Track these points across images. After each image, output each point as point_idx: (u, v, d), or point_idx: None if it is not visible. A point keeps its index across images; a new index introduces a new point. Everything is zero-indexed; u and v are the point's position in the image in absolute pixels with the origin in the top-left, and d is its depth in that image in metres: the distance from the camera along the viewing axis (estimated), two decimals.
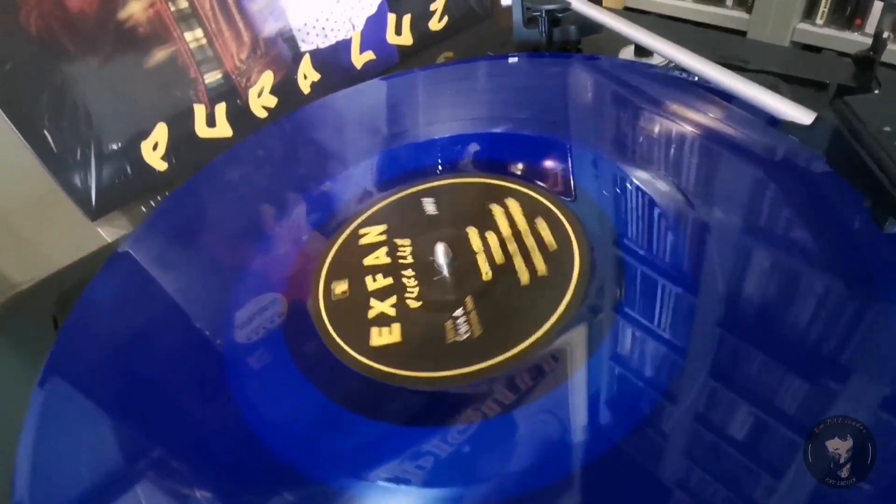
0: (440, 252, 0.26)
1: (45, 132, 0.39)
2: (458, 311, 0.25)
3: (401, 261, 0.28)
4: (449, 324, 0.24)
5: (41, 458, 0.23)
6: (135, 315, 0.30)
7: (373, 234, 0.30)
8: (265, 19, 0.47)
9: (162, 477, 0.22)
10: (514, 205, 0.30)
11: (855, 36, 0.76)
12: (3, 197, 0.44)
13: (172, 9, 0.42)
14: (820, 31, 0.79)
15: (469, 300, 0.25)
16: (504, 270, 0.26)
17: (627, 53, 0.44)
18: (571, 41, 0.45)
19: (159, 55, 0.42)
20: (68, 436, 0.24)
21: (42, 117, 0.39)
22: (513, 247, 0.27)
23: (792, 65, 0.43)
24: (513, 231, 0.28)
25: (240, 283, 0.30)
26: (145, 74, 0.42)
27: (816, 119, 0.25)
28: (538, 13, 0.43)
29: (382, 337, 0.25)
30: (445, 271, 0.26)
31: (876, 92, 0.27)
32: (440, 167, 0.35)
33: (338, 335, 0.25)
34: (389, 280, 0.27)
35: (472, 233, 0.28)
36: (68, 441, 0.24)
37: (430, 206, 0.30)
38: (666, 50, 0.34)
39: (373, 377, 0.23)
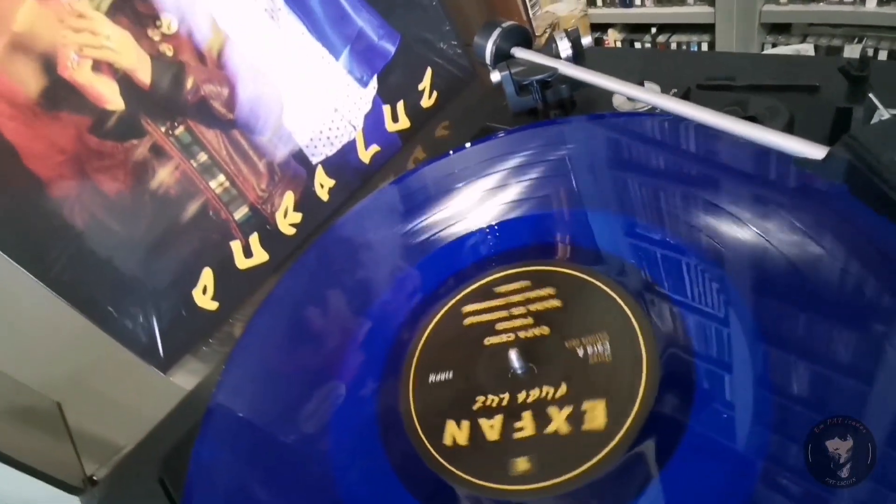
0: (514, 358, 0.28)
1: (109, 307, 0.42)
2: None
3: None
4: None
5: None
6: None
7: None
8: (275, 147, 0.50)
9: None
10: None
11: (821, 6, 0.78)
12: (75, 364, 0.47)
13: (195, 164, 0.45)
14: (786, 8, 0.81)
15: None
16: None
17: (621, 99, 0.46)
18: (565, 98, 0.47)
19: (192, 208, 0.45)
20: None
21: (103, 295, 0.42)
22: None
23: (778, 72, 0.45)
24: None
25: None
26: (184, 229, 0.45)
27: (828, 154, 0.27)
28: (528, 83, 0.45)
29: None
30: (521, 373, 0.28)
31: (884, 116, 0.29)
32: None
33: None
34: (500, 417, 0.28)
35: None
36: None
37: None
38: (658, 101, 0.36)
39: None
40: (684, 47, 1.09)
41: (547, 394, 0.27)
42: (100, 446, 0.45)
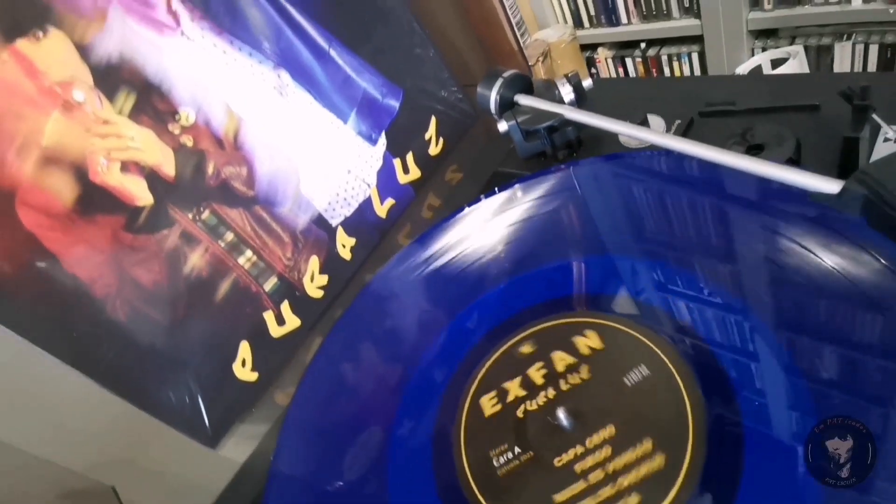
0: (562, 416, 0.28)
1: (157, 393, 0.43)
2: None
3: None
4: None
5: None
6: None
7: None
8: (296, 215, 0.51)
9: None
10: None
11: (806, 9, 0.79)
12: (125, 447, 0.48)
13: (222, 244, 0.46)
14: (771, 14, 0.82)
15: None
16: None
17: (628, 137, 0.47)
18: (572, 139, 0.48)
19: (224, 286, 0.47)
20: None
21: (149, 382, 0.43)
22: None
23: (776, 92, 0.46)
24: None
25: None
26: (218, 307, 0.46)
27: (843, 190, 0.28)
28: (536, 130, 0.47)
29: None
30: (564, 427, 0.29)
31: (889, 134, 0.30)
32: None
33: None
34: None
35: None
36: None
37: None
38: (668, 143, 0.37)
39: None
40: (675, 60, 1.11)
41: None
42: None
